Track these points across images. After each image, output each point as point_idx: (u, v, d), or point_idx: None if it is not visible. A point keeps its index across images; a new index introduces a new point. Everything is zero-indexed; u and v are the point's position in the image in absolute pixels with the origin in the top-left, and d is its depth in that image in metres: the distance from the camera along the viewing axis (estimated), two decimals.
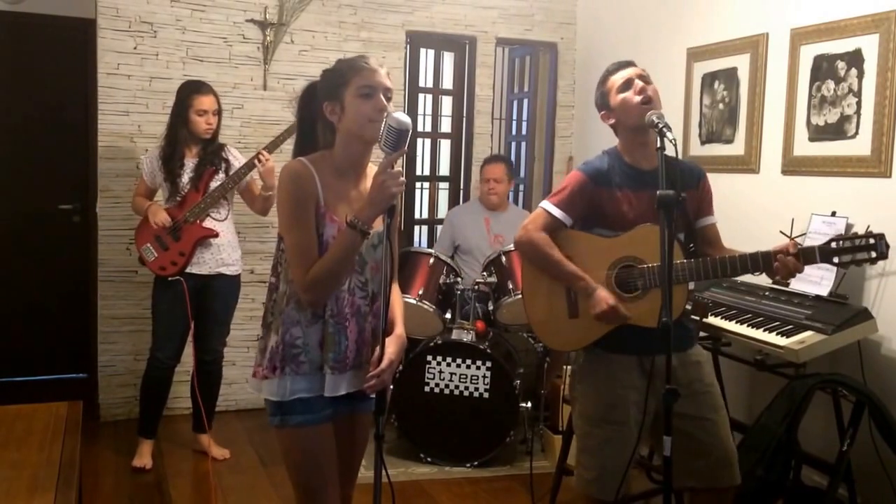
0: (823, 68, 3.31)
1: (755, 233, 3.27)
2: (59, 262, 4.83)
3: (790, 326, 2.89)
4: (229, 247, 3.67)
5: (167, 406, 3.93)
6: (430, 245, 4.93)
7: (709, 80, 3.97)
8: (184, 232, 3.55)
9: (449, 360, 3.76)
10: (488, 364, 3.73)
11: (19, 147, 4.78)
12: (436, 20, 4.77)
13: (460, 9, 4.82)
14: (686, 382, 2.26)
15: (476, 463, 3.74)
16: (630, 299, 2.26)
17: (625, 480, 2.19)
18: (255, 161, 3.55)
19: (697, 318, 2.64)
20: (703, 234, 2.41)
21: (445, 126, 5.17)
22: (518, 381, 3.75)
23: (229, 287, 3.72)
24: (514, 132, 5.66)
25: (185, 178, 3.57)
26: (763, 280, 3.15)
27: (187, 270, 3.56)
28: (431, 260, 4.00)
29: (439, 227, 4.70)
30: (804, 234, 3.16)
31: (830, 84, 3.28)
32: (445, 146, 5.18)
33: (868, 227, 2.84)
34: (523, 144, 5.46)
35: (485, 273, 3.99)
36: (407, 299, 3.78)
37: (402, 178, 1.87)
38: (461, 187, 5.10)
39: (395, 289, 2.13)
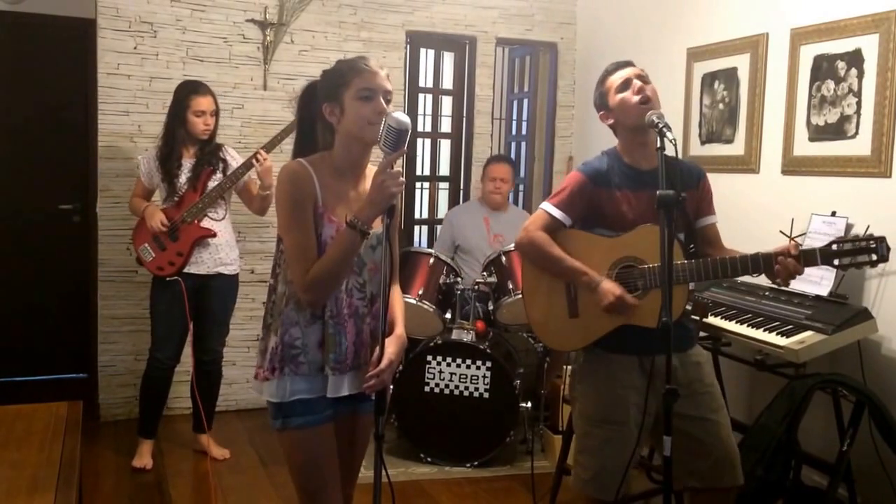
0: (823, 68, 3.31)
1: (755, 233, 3.27)
2: (59, 262, 4.83)
3: (790, 326, 2.89)
4: (227, 246, 3.67)
5: (167, 406, 3.94)
6: (430, 245, 4.93)
7: (709, 80, 3.97)
8: (182, 232, 3.54)
9: (449, 360, 3.76)
10: (488, 364, 3.73)
11: (19, 147, 4.78)
12: (436, 20, 4.78)
13: (460, 9, 4.82)
14: (686, 382, 2.26)
15: (476, 463, 3.74)
16: None
17: (625, 480, 2.19)
18: (253, 161, 3.55)
19: (697, 318, 2.64)
20: (704, 234, 2.41)
21: (445, 126, 5.17)
22: (518, 381, 3.75)
23: (228, 287, 3.72)
24: (514, 132, 5.66)
25: (183, 178, 3.57)
26: (763, 280, 3.14)
27: (185, 270, 3.55)
28: (431, 260, 4.00)
29: (439, 227, 4.70)
30: (804, 234, 3.16)
31: (830, 84, 3.28)
32: (445, 146, 5.18)
33: (868, 227, 2.84)
34: (523, 144, 5.46)
35: (485, 273, 3.99)
36: (407, 299, 3.78)
37: (402, 179, 1.87)
38: (461, 187, 5.10)
39: (396, 289, 2.13)
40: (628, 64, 2.36)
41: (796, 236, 3.06)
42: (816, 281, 3.06)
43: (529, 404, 3.87)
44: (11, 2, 4.59)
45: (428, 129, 5.12)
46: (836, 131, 3.26)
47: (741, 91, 3.76)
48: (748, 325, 2.99)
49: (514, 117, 5.65)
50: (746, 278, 3.10)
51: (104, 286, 4.22)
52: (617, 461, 2.21)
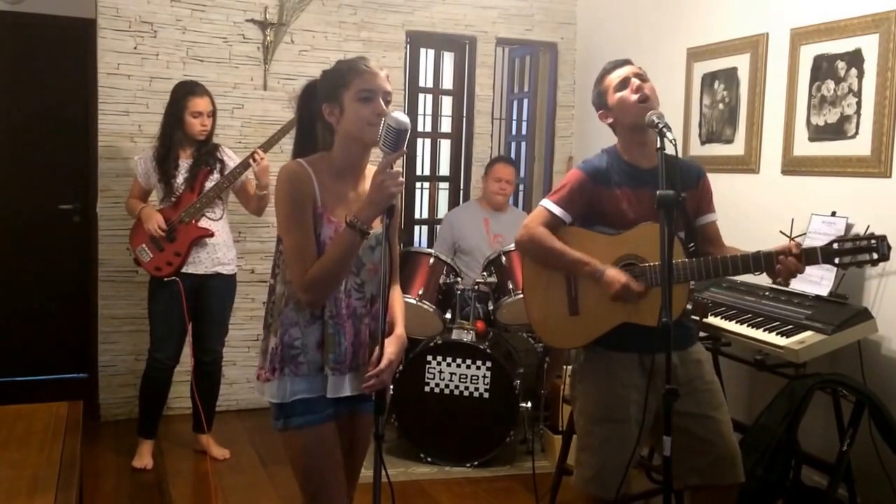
0: (823, 68, 3.31)
1: (755, 233, 3.27)
2: (59, 262, 4.83)
3: (790, 326, 2.89)
4: (224, 246, 3.67)
5: (167, 406, 3.94)
6: (430, 245, 4.93)
7: (709, 80, 3.97)
8: (179, 232, 3.54)
9: (449, 360, 3.76)
10: (488, 364, 3.73)
11: (19, 147, 4.78)
12: (436, 20, 4.78)
13: (460, 9, 4.82)
14: (686, 380, 2.26)
15: (476, 463, 3.74)
16: None
17: (625, 478, 2.19)
18: (250, 160, 3.55)
19: (697, 318, 2.64)
20: (704, 233, 2.41)
21: (445, 126, 5.17)
22: (518, 381, 3.75)
23: (226, 286, 3.72)
24: (514, 132, 5.66)
25: (180, 178, 3.56)
26: (763, 280, 3.14)
27: (183, 270, 3.55)
28: (431, 260, 4.00)
29: (439, 227, 4.70)
30: (804, 234, 3.16)
31: (830, 84, 3.28)
32: (445, 146, 5.18)
33: (868, 227, 2.85)
34: (523, 144, 5.46)
35: (485, 273, 3.99)
36: (407, 299, 3.78)
37: (402, 179, 1.87)
38: (461, 187, 5.10)
39: (396, 289, 2.13)
40: (626, 62, 2.36)
41: (796, 236, 3.07)
42: (816, 281, 3.06)
43: (529, 404, 3.87)
44: (11, 2, 4.59)
45: (428, 129, 5.12)
46: (836, 131, 3.26)
47: (741, 91, 3.76)
48: (748, 325, 2.99)
49: (514, 117, 5.65)
50: (746, 278, 3.11)
51: (104, 286, 4.22)
52: (618, 459, 2.21)
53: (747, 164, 3.72)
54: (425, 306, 3.89)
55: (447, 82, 5.09)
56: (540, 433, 4.01)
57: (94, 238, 4.25)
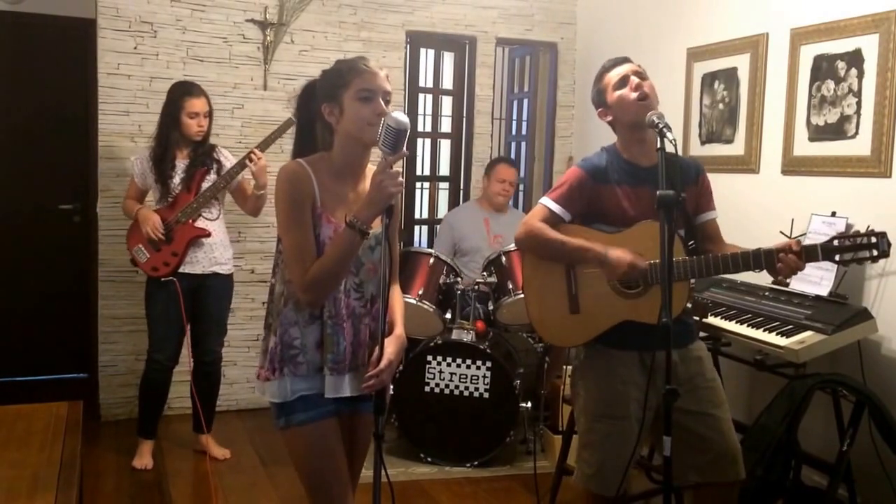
0: (823, 68, 3.31)
1: (755, 233, 3.27)
2: (59, 262, 4.83)
3: (790, 326, 2.89)
4: (221, 246, 3.67)
5: (167, 406, 3.94)
6: (430, 245, 4.93)
7: (709, 80, 3.97)
8: (176, 232, 3.54)
9: (449, 360, 3.76)
10: (488, 364, 3.73)
11: (20, 147, 4.78)
12: (436, 20, 4.78)
13: (460, 9, 4.82)
14: (687, 378, 2.26)
15: (476, 463, 3.74)
16: (632, 295, 2.26)
17: (626, 476, 2.19)
18: (247, 160, 3.55)
19: (697, 318, 2.64)
20: (704, 230, 2.41)
21: (445, 126, 5.17)
22: (518, 381, 3.75)
23: (223, 286, 3.71)
24: (514, 132, 5.66)
25: (177, 179, 3.56)
26: (763, 280, 3.15)
27: (181, 270, 3.54)
28: (431, 260, 4.00)
29: (438, 228, 4.70)
30: (804, 234, 3.16)
31: (830, 84, 3.28)
32: (445, 146, 5.18)
33: (868, 226, 2.84)
34: (523, 144, 5.46)
35: (485, 273, 3.99)
36: (407, 299, 3.78)
37: (401, 179, 1.87)
38: (461, 187, 5.10)
39: (396, 289, 2.13)
40: (625, 60, 2.36)
41: (796, 236, 3.07)
42: (816, 281, 3.06)
43: (529, 404, 3.87)
44: (11, 2, 4.59)
45: (428, 129, 5.12)
46: (836, 131, 3.26)
47: (741, 91, 3.76)
48: (748, 325, 2.99)
49: (514, 117, 5.65)
50: (746, 278, 3.11)
51: (104, 286, 4.22)
52: (618, 457, 2.21)
53: (747, 164, 3.72)
54: (425, 306, 3.89)
55: (447, 82, 5.09)
56: (540, 433, 4.01)
57: (94, 238, 4.25)
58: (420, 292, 3.89)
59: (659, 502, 2.27)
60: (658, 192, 1.95)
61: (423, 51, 4.94)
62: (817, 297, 3.01)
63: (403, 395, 3.77)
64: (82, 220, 4.80)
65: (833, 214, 3.14)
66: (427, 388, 3.77)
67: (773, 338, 2.85)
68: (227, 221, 3.82)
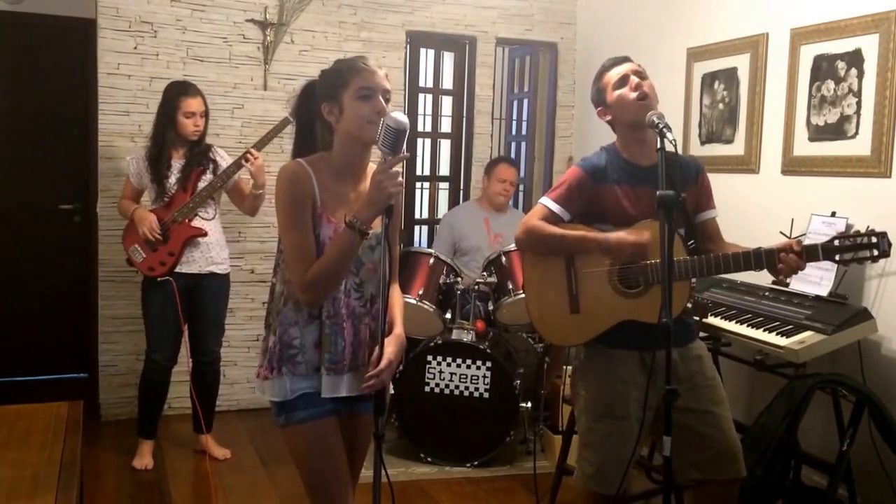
0: (823, 68, 3.31)
1: (755, 233, 3.26)
2: (59, 262, 4.83)
3: (790, 326, 2.89)
4: (218, 245, 3.66)
5: (167, 406, 3.94)
6: (430, 245, 4.93)
7: (709, 80, 3.97)
8: (172, 232, 3.53)
9: (449, 360, 3.76)
10: (488, 364, 3.73)
11: (20, 147, 4.79)
12: (436, 20, 4.78)
13: (460, 9, 4.82)
14: (687, 376, 2.26)
15: (476, 463, 3.74)
16: (632, 295, 2.26)
17: (626, 475, 2.19)
18: (243, 160, 3.55)
19: (697, 318, 2.64)
20: (704, 229, 2.41)
21: (445, 126, 5.17)
22: (518, 381, 3.75)
23: (220, 286, 3.71)
24: (514, 132, 5.66)
25: (173, 179, 3.56)
26: (763, 280, 3.15)
27: (177, 270, 3.54)
28: (431, 260, 4.00)
29: (437, 228, 4.69)
30: (804, 234, 3.16)
31: (830, 84, 3.28)
32: (445, 146, 5.18)
33: (868, 226, 2.84)
34: (523, 144, 5.46)
35: (485, 273, 3.99)
36: (407, 299, 3.78)
37: (401, 179, 1.87)
38: (461, 187, 5.10)
39: (396, 289, 2.13)
40: (625, 59, 2.36)
41: (796, 236, 3.07)
42: (816, 281, 3.06)
43: (529, 404, 3.87)
44: (11, 2, 4.59)
45: (428, 129, 5.12)
46: (836, 131, 3.26)
47: (741, 91, 3.76)
48: (748, 326, 2.99)
49: (514, 117, 5.65)
50: (746, 277, 3.11)
51: (104, 286, 4.22)
52: (618, 456, 2.21)
53: (747, 164, 3.72)
54: (425, 306, 3.89)
55: (447, 82, 5.09)
56: (540, 433, 4.01)
57: (94, 238, 4.25)
58: (420, 292, 3.89)
59: (659, 502, 2.27)
60: (658, 192, 1.95)
61: (423, 51, 4.94)
62: (817, 297, 3.01)
63: (403, 395, 3.77)
64: (82, 220, 4.80)
65: (833, 214, 3.14)
66: (427, 388, 3.77)
67: (773, 338, 2.85)
68: (226, 221, 3.82)
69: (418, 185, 5.22)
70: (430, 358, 3.77)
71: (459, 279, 4.02)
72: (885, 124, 3.04)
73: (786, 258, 2.11)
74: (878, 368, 3.03)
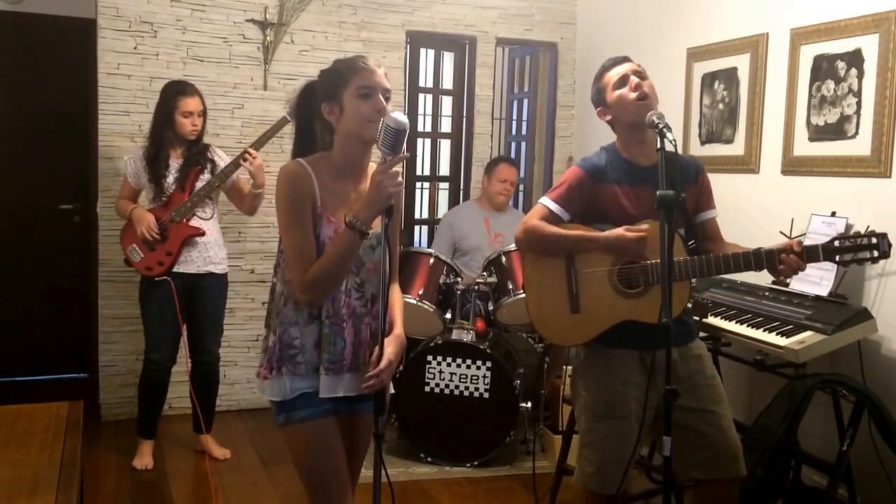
0: (823, 68, 3.31)
1: (755, 233, 3.26)
2: (59, 262, 4.83)
3: (790, 326, 2.89)
4: (215, 245, 3.66)
5: (167, 406, 3.94)
6: (430, 245, 4.93)
7: (709, 80, 3.97)
8: (170, 231, 3.53)
9: (449, 360, 3.76)
10: (488, 364, 3.73)
11: (20, 147, 4.79)
12: (436, 20, 4.78)
13: (460, 9, 4.83)
14: (687, 376, 2.26)
15: (476, 463, 3.74)
16: (632, 295, 2.26)
17: (626, 474, 2.19)
18: (241, 160, 3.55)
19: (697, 318, 2.64)
20: (704, 229, 2.41)
21: (445, 126, 5.17)
22: (518, 381, 3.75)
23: (218, 286, 3.71)
24: (514, 132, 5.66)
25: (171, 178, 3.55)
26: (763, 280, 3.15)
27: (175, 270, 3.54)
28: (431, 260, 4.00)
29: (437, 228, 4.69)
30: (804, 234, 3.16)
31: (830, 84, 3.28)
32: (445, 146, 5.18)
33: (868, 227, 2.84)
34: (523, 144, 5.46)
35: (485, 273, 3.99)
36: (407, 299, 3.78)
37: (401, 179, 1.87)
38: (461, 187, 5.10)
39: (396, 289, 2.13)
40: (625, 59, 2.36)
41: (796, 237, 3.07)
42: (816, 281, 3.06)
43: (529, 404, 3.87)
44: (11, 2, 4.59)
45: (428, 129, 5.13)
46: (836, 131, 3.27)
47: (741, 91, 3.76)
48: (748, 326, 2.99)
49: (514, 117, 5.65)
50: (746, 277, 3.11)
51: (104, 286, 4.22)
52: (618, 456, 2.21)
53: (747, 164, 3.72)
54: (425, 306, 3.89)
55: (447, 82, 5.09)
56: (540, 433, 4.01)
57: (94, 238, 4.25)
58: (420, 292, 3.89)
59: (659, 502, 2.27)
60: (658, 193, 1.95)
61: (423, 51, 4.94)
62: (817, 297, 3.01)
63: (403, 395, 3.77)
64: (82, 220, 4.80)
65: (833, 214, 3.14)
66: (427, 388, 3.77)
67: (773, 338, 2.85)
68: (226, 221, 3.82)
69: (418, 185, 5.22)
70: (430, 358, 3.77)
71: (459, 279, 4.02)
72: (885, 124, 3.04)
73: (786, 259, 2.11)
74: (878, 368, 3.03)
